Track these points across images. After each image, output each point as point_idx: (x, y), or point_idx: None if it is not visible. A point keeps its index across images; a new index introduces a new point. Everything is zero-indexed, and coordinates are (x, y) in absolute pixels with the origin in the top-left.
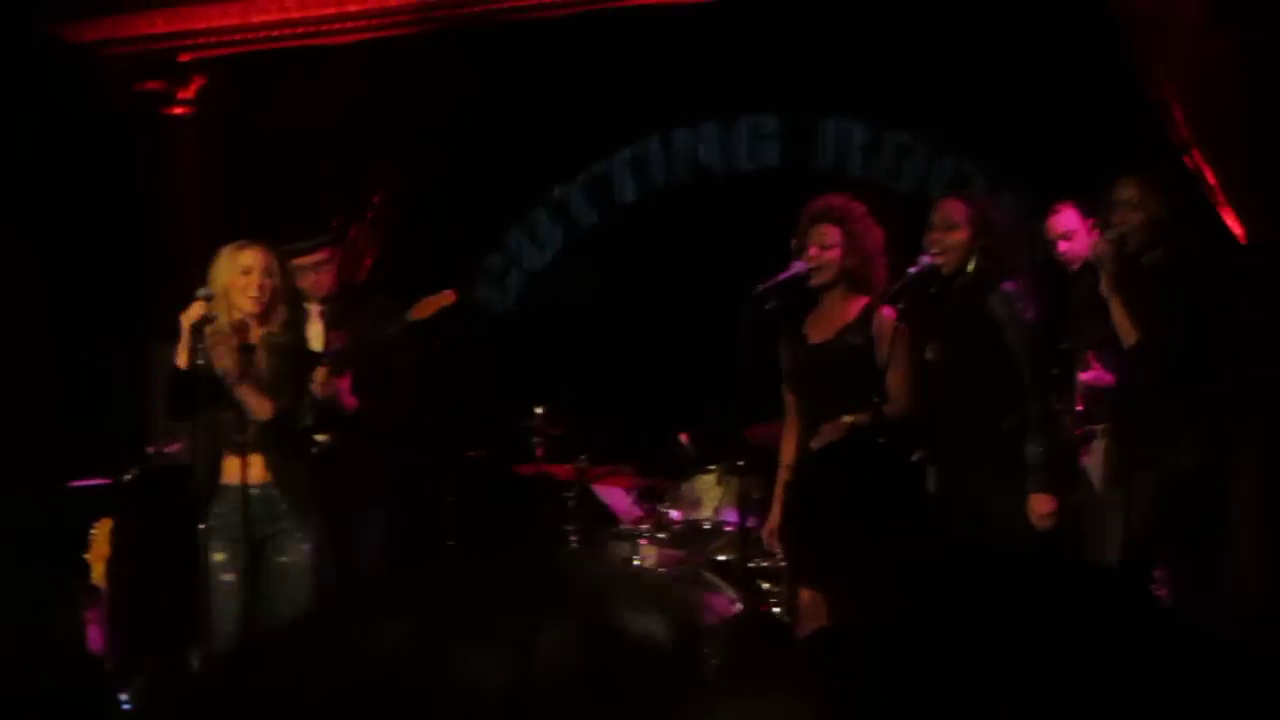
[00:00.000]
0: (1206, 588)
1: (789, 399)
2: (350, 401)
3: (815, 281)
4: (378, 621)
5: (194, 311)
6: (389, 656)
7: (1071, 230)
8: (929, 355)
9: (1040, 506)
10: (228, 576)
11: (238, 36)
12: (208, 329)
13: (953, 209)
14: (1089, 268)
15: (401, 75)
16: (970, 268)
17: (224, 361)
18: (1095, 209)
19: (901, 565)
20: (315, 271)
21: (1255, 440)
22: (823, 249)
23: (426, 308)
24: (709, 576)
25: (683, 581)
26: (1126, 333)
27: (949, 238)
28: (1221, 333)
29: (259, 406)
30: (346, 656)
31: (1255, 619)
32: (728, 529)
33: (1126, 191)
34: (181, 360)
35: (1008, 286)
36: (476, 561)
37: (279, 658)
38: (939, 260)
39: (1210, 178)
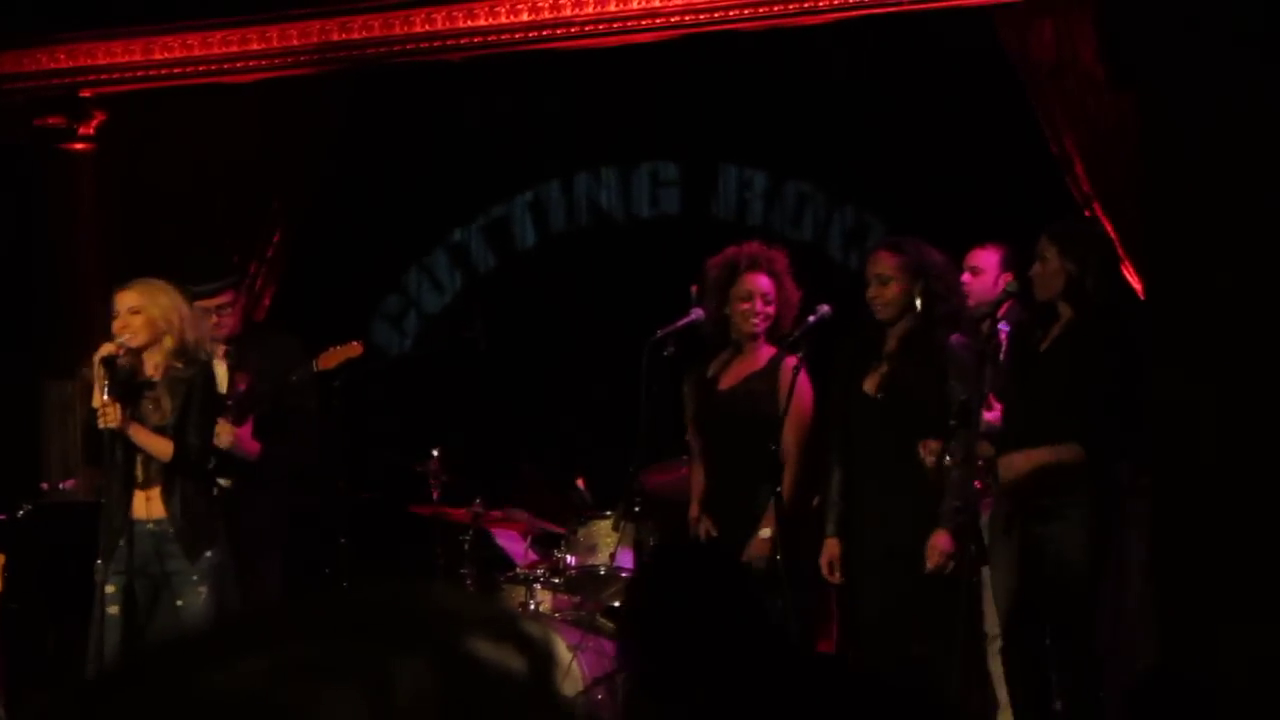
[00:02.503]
0: (1087, 651)
1: (695, 444)
2: (252, 447)
3: (749, 331)
4: (236, 657)
5: (104, 350)
6: (242, 693)
7: (981, 267)
8: (866, 388)
9: (942, 544)
10: (112, 609)
11: (139, 73)
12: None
13: (885, 261)
14: (1001, 309)
15: (302, 114)
16: (916, 312)
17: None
18: (1013, 262)
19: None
20: (220, 313)
21: (1146, 498)
22: (765, 303)
23: (333, 358)
24: (603, 623)
25: (534, 612)
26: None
27: (886, 291)
28: (1120, 385)
29: (159, 448)
30: (197, 694)
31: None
32: (623, 574)
33: (1041, 245)
34: (95, 399)
35: (959, 339)
36: (333, 596)
37: (135, 692)
38: (879, 313)
39: (1110, 231)
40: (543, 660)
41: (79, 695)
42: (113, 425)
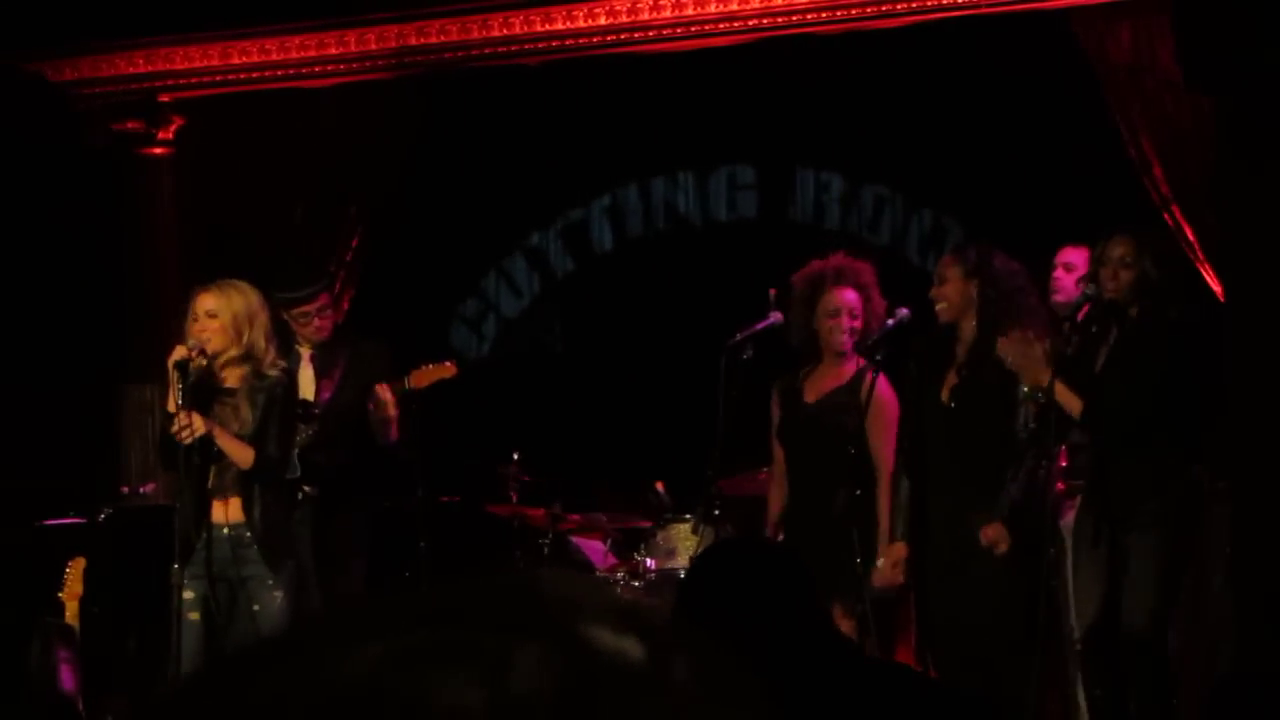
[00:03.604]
0: (1161, 656)
1: (778, 452)
2: (394, 434)
3: (837, 347)
4: (354, 644)
5: (177, 353)
6: (366, 679)
7: (1074, 264)
8: (944, 398)
9: (992, 533)
10: (193, 615)
11: (217, 78)
12: (192, 370)
13: (943, 262)
14: (1080, 311)
15: (379, 119)
16: (973, 319)
17: (202, 405)
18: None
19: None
20: (317, 317)
21: (1226, 502)
22: (852, 318)
23: (424, 377)
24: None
25: (655, 598)
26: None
27: (941, 291)
28: (1200, 392)
29: (240, 455)
30: (324, 679)
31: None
32: None
33: (1119, 249)
34: (169, 404)
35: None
36: (450, 584)
37: (255, 678)
38: (939, 314)
39: (1189, 234)
40: (664, 648)
41: (202, 685)
42: (199, 434)
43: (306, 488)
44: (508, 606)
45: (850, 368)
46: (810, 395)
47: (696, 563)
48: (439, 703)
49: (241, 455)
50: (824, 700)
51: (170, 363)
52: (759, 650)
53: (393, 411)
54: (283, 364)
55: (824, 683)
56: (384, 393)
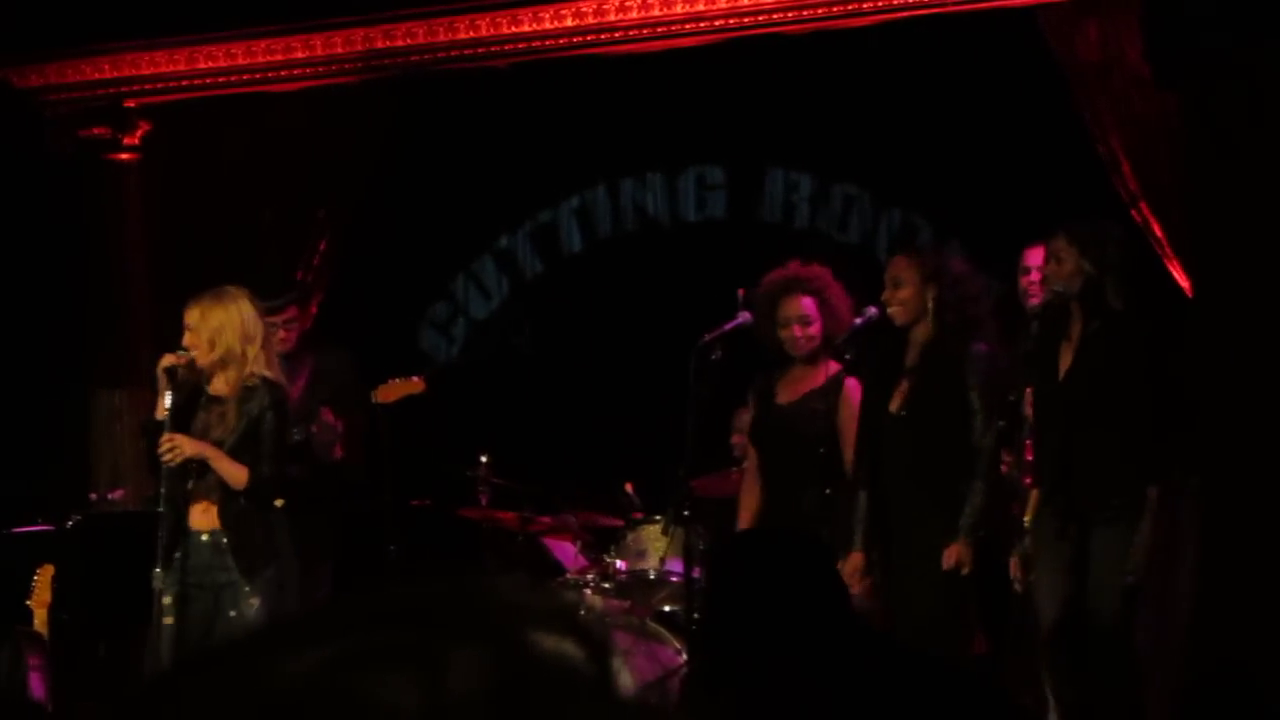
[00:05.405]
0: (1128, 653)
1: (751, 454)
2: (339, 453)
3: (797, 353)
4: (294, 648)
5: (165, 360)
6: (304, 682)
7: (1032, 266)
8: (892, 408)
9: (955, 553)
10: (168, 620)
11: (184, 83)
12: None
13: (899, 265)
14: (1045, 308)
15: (347, 122)
16: (930, 321)
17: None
18: None
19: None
20: (283, 329)
21: (1195, 494)
22: (804, 325)
23: (392, 392)
24: (654, 627)
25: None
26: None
27: (898, 294)
28: (1165, 387)
29: (235, 475)
30: (262, 683)
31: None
32: (673, 579)
33: (1054, 244)
34: (158, 410)
35: (979, 348)
36: (394, 589)
37: (196, 686)
38: (894, 316)
39: (1157, 230)
40: (602, 654)
41: (147, 689)
42: (185, 457)
43: (278, 501)
44: (448, 610)
45: (824, 371)
46: (783, 397)
47: (721, 554)
48: (375, 703)
49: (235, 476)
50: (859, 689)
51: (160, 369)
52: (790, 640)
53: (337, 434)
54: (270, 374)
55: (858, 672)
56: (328, 416)
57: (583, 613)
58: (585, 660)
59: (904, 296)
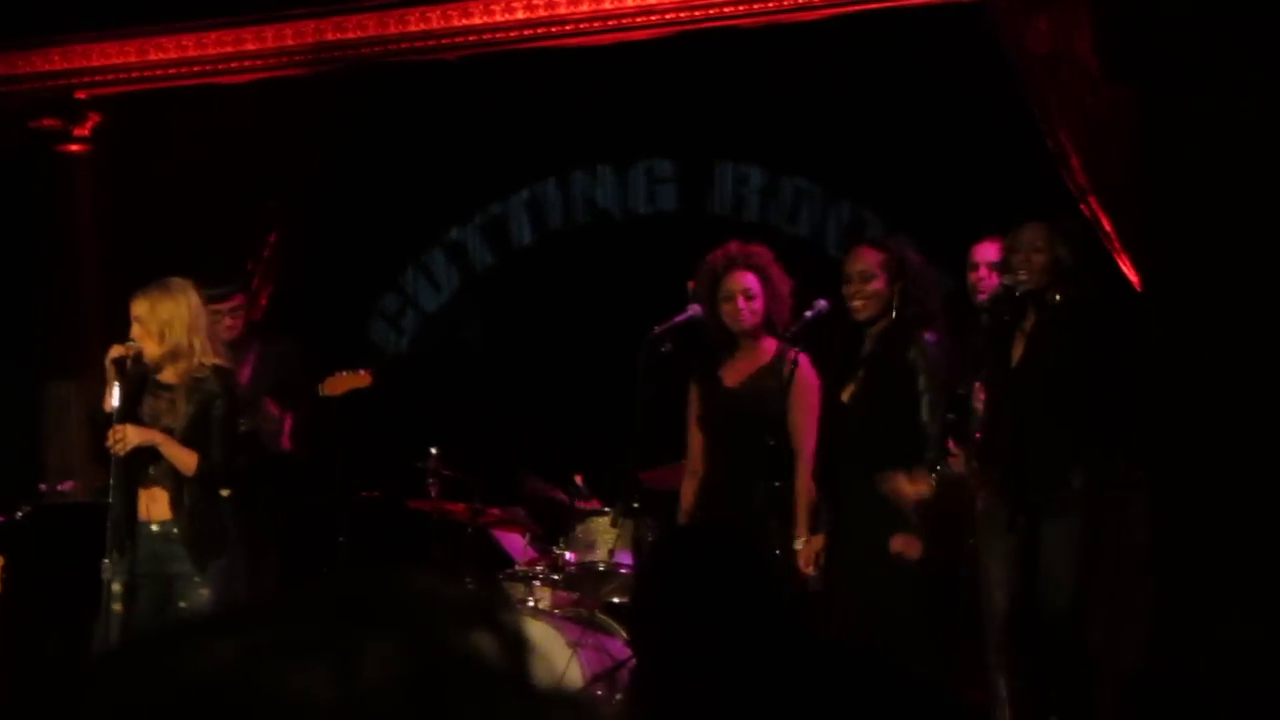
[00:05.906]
0: (1079, 646)
1: (695, 441)
2: (286, 444)
3: (742, 327)
4: (210, 640)
5: (114, 351)
6: (218, 673)
7: (994, 261)
8: (844, 398)
9: (905, 548)
10: (117, 607)
11: (134, 74)
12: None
13: (868, 258)
14: (995, 301)
15: (298, 114)
16: (892, 314)
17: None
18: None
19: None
20: (229, 316)
21: (1143, 485)
22: (748, 299)
23: (339, 385)
24: (603, 619)
25: (508, 598)
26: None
27: (868, 287)
28: (1117, 379)
29: (185, 461)
30: (175, 675)
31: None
32: (622, 571)
33: (1030, 234)
34: (106, 403)
35: (929, 337)
36: (310, 583)
37: (111, 676)
38: (857, 310)
39: (1106, 225)
40: (516, 646)
41: (60, 684)
42: (131, 446)
43: (222, 491)
44: (364, 602)
45: (768, 349)
46: (730, 379)
47: (653, 553)
48: (289, 694)
49: (185, 461)
50: (786, 693)
51: (108, 360)
52: (719, 643)
53: (285, 425)
54: (218, 362)
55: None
56: (272, 408)
57: (498, 606)
58: (500, 653)
59: (874, 290)
